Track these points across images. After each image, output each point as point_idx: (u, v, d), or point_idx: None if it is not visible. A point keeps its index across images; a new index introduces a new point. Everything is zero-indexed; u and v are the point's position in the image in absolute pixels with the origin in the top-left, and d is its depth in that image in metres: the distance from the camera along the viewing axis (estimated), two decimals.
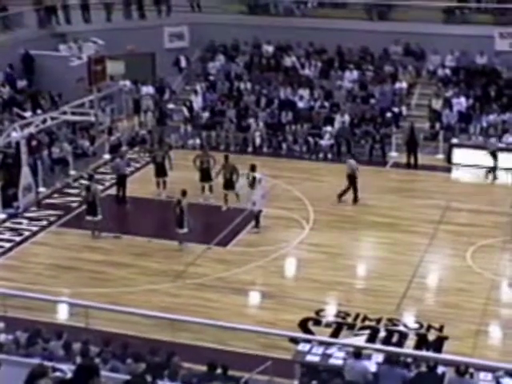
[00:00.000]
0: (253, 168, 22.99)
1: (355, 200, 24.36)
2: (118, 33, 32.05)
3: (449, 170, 27.79)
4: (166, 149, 26.14)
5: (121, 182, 24.66)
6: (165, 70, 33.38)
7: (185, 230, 21.34)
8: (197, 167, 24.56)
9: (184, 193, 21.49)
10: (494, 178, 26.65)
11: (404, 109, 30.54)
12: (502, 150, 27.24)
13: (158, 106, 31.24)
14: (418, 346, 16.70)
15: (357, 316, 17.90)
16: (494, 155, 26.90)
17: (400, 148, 28.52)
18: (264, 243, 21.75)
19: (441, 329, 17.36)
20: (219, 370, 13.47)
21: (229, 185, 23.85)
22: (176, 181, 24.50)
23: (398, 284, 19.41)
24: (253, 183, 22.89)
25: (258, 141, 29.57)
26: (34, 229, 22.81)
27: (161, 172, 24.86)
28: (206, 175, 24.42)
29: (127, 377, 10.20)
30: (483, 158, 27.09)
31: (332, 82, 31.84)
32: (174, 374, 13.04)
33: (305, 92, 31.17)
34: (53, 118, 26.35)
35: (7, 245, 21.77)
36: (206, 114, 30.73)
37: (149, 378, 8.83)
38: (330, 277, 19.80)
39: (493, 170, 26.76)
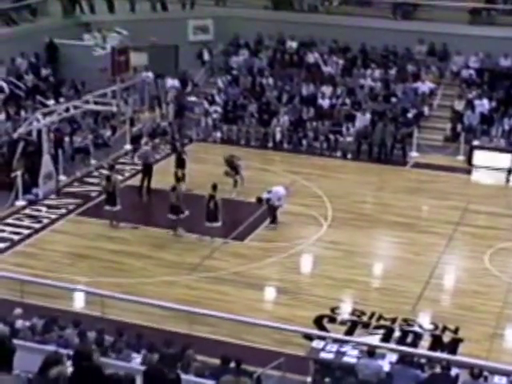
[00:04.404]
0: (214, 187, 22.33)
1: None
2: (142, 24, 32.13)
3: (469, 172, 27.66)
4: (182, 142, 26.23)
5: (147, 171, 24.70)
6: (188, 63, 33.40)
7: (219, 223, 21.42)
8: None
9: (215, 187, 21.55)
10: None
11: (426, 109, 30.44)
12: None
13: (177, 98, 31.29)
14: (432, 347, 16.66)
15: (372, 315, 17.88)
16: None
17: (421, 148, 28.46)
18: (281, 239, 21.75)
19: (456, 331, 17.30)
20: (232, 364, 13.50)
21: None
22: (195, 174, 24.60)
23: (415, 284, 19.36)
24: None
25: (278, 136, 29.58)
26: (53, 216, 22.93)
27: (180, 164, 24.93)
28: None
29: (140, 367, 10.27)
30: (504, 160, 26.98)
31: (354, 79, 31.78)
32: (187, 366, 13.09)
33: (327, 89, 31.13)
34: (75, 107, 26.49)
35: (26, 232, 21.90)
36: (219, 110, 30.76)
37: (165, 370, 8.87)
38: (346, 275, 19.78)
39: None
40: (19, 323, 14.48)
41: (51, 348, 10.82)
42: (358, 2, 34.73)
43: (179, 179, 22.44)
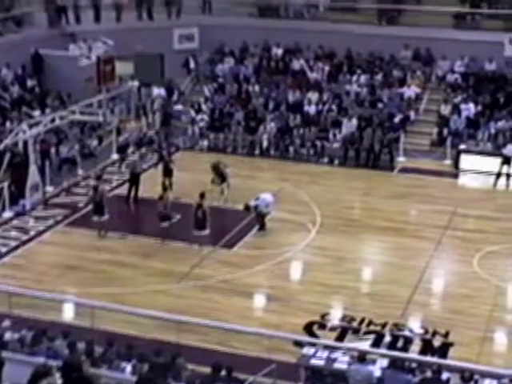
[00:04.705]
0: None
1: None
2: (127, 33, 32.11)
3: (456, 176, 27.76)
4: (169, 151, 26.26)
5: (134, 181, 24.68)
6: (174, 72, 33.41)
7: (207, 231, 21.42)
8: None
9: (202, 195, 21.53)
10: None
11: (412, 114, 30.53)
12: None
13: (163, 107, 31.26)
14: (423, 352, 16.66)
15: (362, 320, 17.87)
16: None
17: (408, 153, 28.54)
18: (270, 246, 21.73)
19: (446, 335, 17.32)
20: (223, 372, 13.46)
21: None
22: (181, 182, 24.59)
23: (404, 289, 19.36)
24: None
25: (265, 143, 29.58)
26: (41, 228, 22.84)
27: (167, 172, 24.92)
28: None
29: (131, 377, 10.24)
30: (491, 164, 27.08)
31: (340, 85, 31.84)
32: (178, 375, 13.05)
33: (313, 95, 31.18)
34: (61, 118, 26.42)
35: (14, 243, 21.80)
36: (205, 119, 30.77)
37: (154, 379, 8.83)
38: (335, 281, 19.76)
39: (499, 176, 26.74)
40: (8, 335, 14.39)
41: (40, 360, 10.77)
42: (343, 8, 34.83)
43: (166, 188, 22.46)
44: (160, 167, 25.77)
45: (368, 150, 28.25)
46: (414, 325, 17.86)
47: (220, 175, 24.45)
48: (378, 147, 28.39)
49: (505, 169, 26.77)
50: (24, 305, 17.30)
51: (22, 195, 24.00)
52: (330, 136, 29.34)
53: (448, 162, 28.42)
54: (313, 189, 25.79)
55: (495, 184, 26.73)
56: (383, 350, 16.20)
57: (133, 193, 24.63)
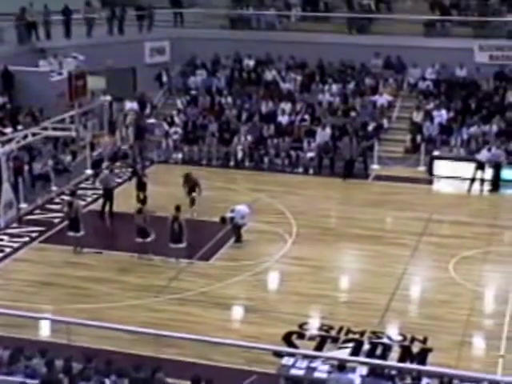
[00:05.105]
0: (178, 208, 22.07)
1: None
2: (98, 48, 32.04)
3: (430, 182, 27.91)
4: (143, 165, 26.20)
5: (108, 196, 24.60)
6: (146, 85, 33.40)
7: (184, 244, 21.34)
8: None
9: (178, 208, 21.45)
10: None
11: (385, 121, 30.67)
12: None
13: (136, 121, 31.18)
14: (402, 359, 16.67)
15: (340, 329, 17.86)
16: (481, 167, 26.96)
17: (382, 161, 28.67)
18: (246, 257, 21.70)
19: (424, 341, 17.35)
20: None
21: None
22: (156, 195, 24.54)
23: (381, 296, 19.40)
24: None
25: (239, 155, 29.59)
26: (16, 245, 22.65)
27: (141, 186, 24.85)
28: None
29: None
30: (464, 169, 27.26)
31: (313, 95, 31.94)
32: None
33: (286, 106, 31.25)
34: (34, 134, 26.27)
35: None
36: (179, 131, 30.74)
37: None
38: (313, 290, 19.77)
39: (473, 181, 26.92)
40: None
41: (18, 379, 10.67)
42: (314, 18, 34.98)
43: (144, 201, 22.35)
44: (134, 181, 25.68)
45: (348, 161, 28.15)
46: (393, 332, 17.88)
47: (191, 185, 24.38)
48: (354, 156, 28.45)
49: (479, 174, 26.94)
50: (0, 323, 17.14)
51: None
52: (305, 146, 29.41)
53: (422, 168, 28.58)
54: (288, 199, 25.82)
55: (469, 189, 26.91)
56: (362, 358, 16.21)
57: (107, 208, 24.54)
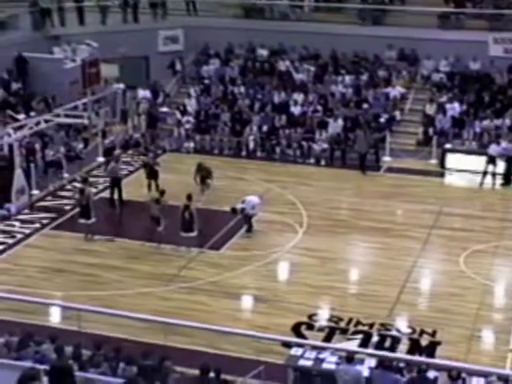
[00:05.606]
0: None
1: None
2: (112, 36, 32.02)
3: (442, 175, 27.83)
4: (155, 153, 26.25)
5: (115, 185, 24.64)
6: (159, 74, 33.38)
7: (195, 233, 21.37)
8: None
9: (190, 197, 21.48)
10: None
11: (398, 114, 30.59)
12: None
13: (149, 109, 31.20)
14: (410, 351, 16.68)
15: (349, 321, 17.88)
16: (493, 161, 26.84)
17: (394, 153, 28.61)
18: (257, 247, 21.73)
19: (433, 334, 17.35)
20: (212, 374, 13.44)
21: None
22: (168, 184, 24.56)
23: (391, 289, 19.40)
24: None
25: (251, 145, 29.58)
26: (27, 231, 22.75)
27: (153, 175, 24.89)
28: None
29: (120, 380, 10.19)
30: (476, 162, 27.17)
31: (326, 86, 31.87)
32: (166, 378, 13.01)
33: (299, 96, 31.20)
34: (46, 121, 26.32)
35: (0, 247, 21.72)
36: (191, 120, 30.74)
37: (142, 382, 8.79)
38: (322, 281, 19.78)
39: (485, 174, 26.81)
40: None
41: (27, 364, 10.72)
42: (328, 8, 34.87)
43: (163, 192, 22.23)
44: (145, 169, 25.72)
45: (363, 155, 28.01)
46: (402, 324, 17.89)
47: (203, 175, 24.43)
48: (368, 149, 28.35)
49: (490, 168, 26.85)
50: (11, 309, 17.22)
51: (7, 199, 23.89)
52: (316, 137, 29.37)
53: (434, 161, 28.50)
54: (299, 190, 25.80)
55: (481, 183, 26.82)
56: (371, 350, 16.21)
57: (116, 195, 24.55)
